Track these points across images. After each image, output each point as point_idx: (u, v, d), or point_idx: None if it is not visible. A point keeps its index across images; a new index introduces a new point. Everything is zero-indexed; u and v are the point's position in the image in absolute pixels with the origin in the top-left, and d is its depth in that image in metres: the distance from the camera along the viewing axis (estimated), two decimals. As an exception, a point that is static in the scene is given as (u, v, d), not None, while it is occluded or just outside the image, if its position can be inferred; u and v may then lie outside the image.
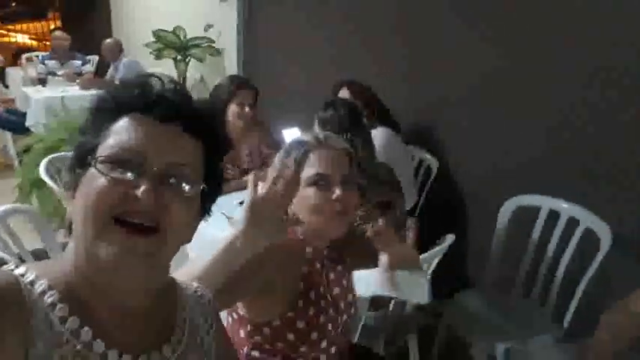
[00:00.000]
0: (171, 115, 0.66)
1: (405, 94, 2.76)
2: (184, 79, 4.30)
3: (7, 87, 5.60)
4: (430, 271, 1.82)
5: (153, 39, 4.17)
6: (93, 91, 4.65)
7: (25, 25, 11.04)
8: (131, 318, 0.68)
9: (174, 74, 4.32)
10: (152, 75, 0.70)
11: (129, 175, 0.62)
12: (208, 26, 4.20)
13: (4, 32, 10.61)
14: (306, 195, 1.14)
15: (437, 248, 1.79)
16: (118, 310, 0.67)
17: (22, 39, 10.48)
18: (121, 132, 0.65)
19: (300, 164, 1.14)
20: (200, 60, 4.12)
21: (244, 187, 2.38)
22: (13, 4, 11.12)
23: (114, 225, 0.61)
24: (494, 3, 2.28)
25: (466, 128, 2.48)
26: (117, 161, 0.62)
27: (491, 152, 2.36)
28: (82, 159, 0.64)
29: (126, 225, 0.61)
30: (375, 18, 2.93)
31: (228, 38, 4.17)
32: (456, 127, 2.55)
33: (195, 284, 0.85)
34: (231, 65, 4.24)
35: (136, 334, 0.68)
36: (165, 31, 4.22)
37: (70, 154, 0.69)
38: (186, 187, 0.65)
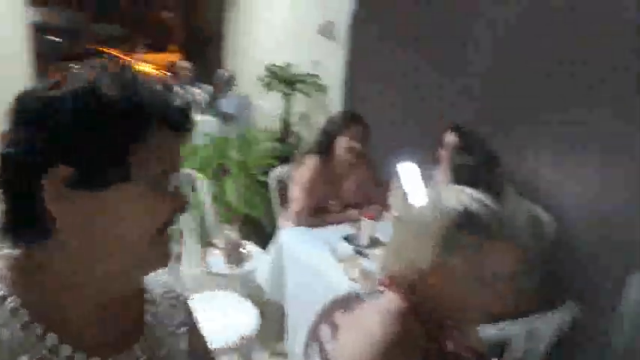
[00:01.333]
0: (183, 125, 0.68)
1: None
2: (289, 113, 4.47)
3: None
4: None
5: (265, 73, 4.40)
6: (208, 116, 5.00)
7: (148, 57, 12.24)
8: (100, 317, 0.67)
9: (280, 108, 4.51)
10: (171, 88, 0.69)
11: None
12: (315, 63, 4.37)
13: (131, 62, 11.75)
14: None
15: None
16: (87, 309, 0.65)
17: (146, 69, 11.49)
18: (155, 151, 0.64)
19: None
20: (307, 95, 4.27)
21: (346, 221, 2.42)
22: (140, 39, 12.43)
23: None
24: None
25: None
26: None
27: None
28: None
29: None
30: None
31: (332, 75, 4.30)
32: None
33: (164, 279, 0.83)
34: (334, 102, 4.34)
35: (105, 334, 0.67)
36: (277, 66, 4.44)
37: None
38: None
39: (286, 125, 4.52)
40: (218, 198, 3.40)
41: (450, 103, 3.08)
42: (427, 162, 2.48)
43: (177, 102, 0.65)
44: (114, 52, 11.68)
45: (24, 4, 4.56)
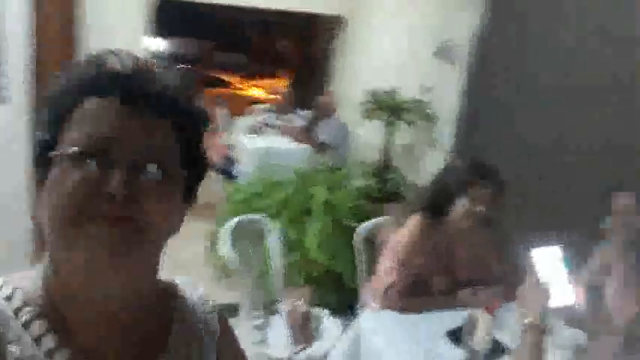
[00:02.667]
0: (134, 96, 0.57)
1: None
2: (390, 144, 3.78)
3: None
4: None
5: (367, 98, 3.78)
6: (300, 145, 4.50)
7: (261, 82, 12.38)
8: (115, 332, 0.60)
9: (381, 138, 3.85)
10: (110, 51, 0.60)
11: (95, 169, 0.54)
12: (425, 89, 3.65)
13: (244, 87, 11.97)
14: None
15: None
16: (101, 324, 0.59)
17: (257, 93, 11.68)
18: (80, 121, 0.57)
19: None
20: (411, 124, 3.56)
21: (454, 307, 1.62)
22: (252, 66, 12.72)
23: (86, 226, 0.53)
24: None
25: None
26: (80, 155, 0.54)
27: None
28: (43, 155, 0.57)
29: (96, 220, 0.53)
30: None
31: (445, 104, 3.55)
32: None
33: (201, 291, 0.75)
34: (444, 134, 3.59)
35: (122, 351, 0.61)
36: (380, 91, 3.79)
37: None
38: (162, 175, 0.57)
39: (386, 158, 3.83)
40: (295, 247, 2.79)
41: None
42: (585, 238, 1.66)
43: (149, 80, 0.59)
44: (231, 79, 12.05)
45: (146, 34, 4.41)
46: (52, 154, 0.56)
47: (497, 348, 1.56)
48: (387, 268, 1.78)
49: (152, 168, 0.56)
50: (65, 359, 0.56)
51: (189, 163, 0.62)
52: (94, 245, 0.53)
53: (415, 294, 1.78)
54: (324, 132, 4.35)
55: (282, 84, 11.88)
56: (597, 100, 2.38)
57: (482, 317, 1.55)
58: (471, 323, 1.62)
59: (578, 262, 1.57)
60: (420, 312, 1.73)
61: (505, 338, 1.61)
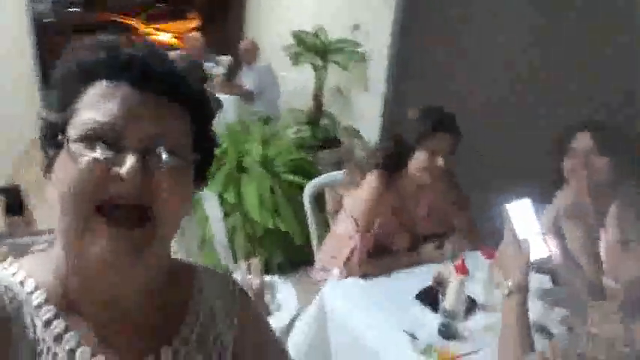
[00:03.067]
0: (147, 80, 0.56)
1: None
2: (321, 88, 3.55)
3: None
4: None
5: (292, 41, 3.46)
6: (224, 97, 4.14)
7: (167, 25, 11.30)
8: (127, 317, 0.60)
9: (312, 82, 3.60)
10: (119, 35, 0.59)
11: (108, 153, 0.53)
12: (355, 27, 3.42)
13: (150, 31, 10.88)
14: None
15: None
16: (113, 310, 0.59)
17: (165, 38, 10.66)
18: (91, 104, 0.55)
19: None
20: (344, 67, 3.34)
21: (419, 263, 1.51)
22: (158, 6, 11.46)
23: (98, 216, 0.53)
24: None
25: None
26: (91, 139, 0.53)
27: None
28: (52, 139, 0.56)
29: (112, 214, 0.53)
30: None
31: (377, 42, 3.36)
32: None
33: (224, 274, 0.77)
34: (377, 76, 3.42)
35: (133, 336, 0.61)
36: (307, 32, 3.50)
37: None
38: (175, 160, 0.55)
39: (318, 104, 3.62)
40: (234, 208, 2.56)
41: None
42: (538, 182, 1.60)
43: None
44: (132, 22, 10.87)
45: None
46: (62, 137, 0.54)
47: (471, 305, 1.49)
48: (346, 232, 1.62)
49: (165, 153, 0.55)
50: (75, 342, 0.57)
51: (201, 148, 0.62)
52: (110, 237, 0.52)
53: (378, 256, 1.65)
54: (249, 79, 4.02)
55: (192, 26, 10.93)
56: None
57: (452, 276, 1.46)
58: (441, 282, 1.53)
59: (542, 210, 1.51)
60: (386, 274, 1.62)
61: (475, 289, 1.54)
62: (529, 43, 2.38)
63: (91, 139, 0.53)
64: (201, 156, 0.61)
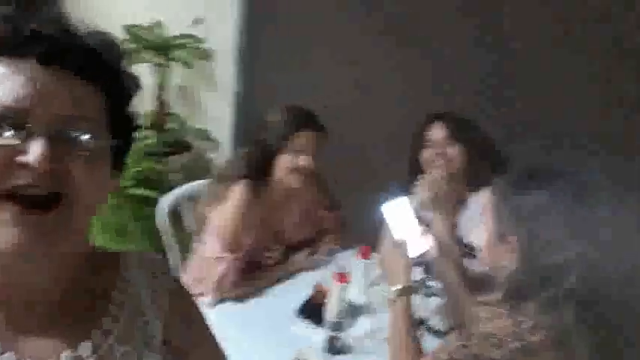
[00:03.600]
0: (55, 56, 0.52)
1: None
2: (164, 88, 3.23)
3: None
4: None
5: (125, 37, 3.07)
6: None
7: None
8: (42, 310, 0.57)
9: (151, 83, 3.26)
10: (19, 8, 0.54)
11: (13, 138, 0.49)
12: (197, 21, 3.16)
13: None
14: None
15: None
16: (28, 302, 0.56)
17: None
18: None
19: None
20: (187, 65, 3.07)
21: (292, 273, 1.42)
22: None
23: (5, 202, 0.49)
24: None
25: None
26: None
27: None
28: None
29: (21, 200, 0.49)
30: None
31: (221, 36, 3.15)
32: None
33: (153, 255, 0.74)
34: (224, 72, 3.22)
35: (49, 329, 0.57)
36: (141, 27, 3.13)
37: None
38: (88, 144, 0.53)
39: (162, 106, 3.28)
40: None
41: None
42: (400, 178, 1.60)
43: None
44: None
45: None
46: None
47: (352, 310, 1.42)
48: (213, 253, 1.43)
49: (77, 136, 0.52)
50: None
51: (118, 130, 0.58)
52: (20, 224, 0.49)
53: (250, 273, 1.49)
54: None
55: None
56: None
57: (332, 286, 1.37)
58: (320, 293, 1.44)
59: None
60: (259, 292, 1.47)
61: (352, 292, 1.48)
62: (380, 32, 2.41)
63: None
64: (119, 139, 0.57)
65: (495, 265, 1.03)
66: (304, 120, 1.51)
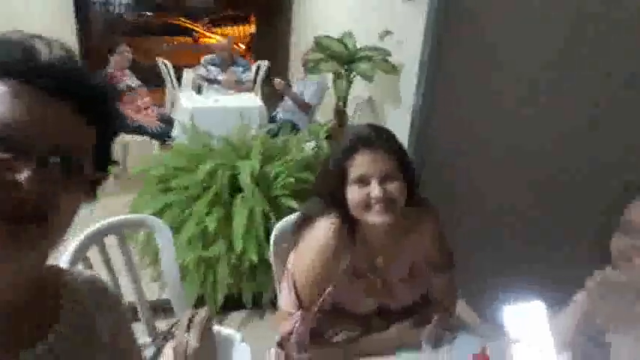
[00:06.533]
0: (62, 90, 0.55)
1: None
2: (345, 100, 3.15)
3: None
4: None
5: (312, 47, 3.09)
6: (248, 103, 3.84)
7: (229, 29, 11.24)
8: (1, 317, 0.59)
9: (333, 94, 3.21)
10: (38, 37, 0.58)
11: (7, 155, 0.51)
12: (385, 33, 2.98)
13: (209, 35, 10.87)
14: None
15: None
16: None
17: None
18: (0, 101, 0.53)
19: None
20: (368, 78, 2.91)
21: (388, 347, 1.05)
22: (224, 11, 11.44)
23: None
24: None
25: None
26: None
27: None
28: None
29: (4, 216, 0.51)
30: None
31: (410, 51, 2.90)
32: None
33: (90, 273, 0.76)
34: (409, 87, 2.97)
35: (5, 335, 0.59)
36: (331, 38, 3.11)
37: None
38: (75, 174, 0.56)
39: (341, 118, 3.21)
40: (217, 237, 2.23)
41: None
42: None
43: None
44: (195, 26, 10.94)
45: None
46: None
47: None
48: (287, 306, 1.19)
49: (68, 167, 0.54)
50: None
51: (100, 163, 0.61)
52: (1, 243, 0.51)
53: (333, 330, 1.22)
54: (307, 90, 3.69)
55: (252, 30, 10.82)
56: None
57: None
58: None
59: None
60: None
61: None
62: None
63: None
64: (99, 171, 0.61)
65: None
66: (364, 139, 1.12)
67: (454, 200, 2.29)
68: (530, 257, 1.71)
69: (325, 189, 1.19)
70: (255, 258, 2.16)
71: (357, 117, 3.32)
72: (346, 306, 1.24)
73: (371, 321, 1.24)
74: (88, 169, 0.57)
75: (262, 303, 2.44)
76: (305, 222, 1.21)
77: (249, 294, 2.37)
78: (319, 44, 3.02)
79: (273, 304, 2.42)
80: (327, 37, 3.09)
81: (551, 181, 1.96)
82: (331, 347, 1.20)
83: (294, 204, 2.31)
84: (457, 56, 2.52)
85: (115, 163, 0.66)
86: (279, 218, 2.30)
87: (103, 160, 0.63)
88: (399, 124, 3.12)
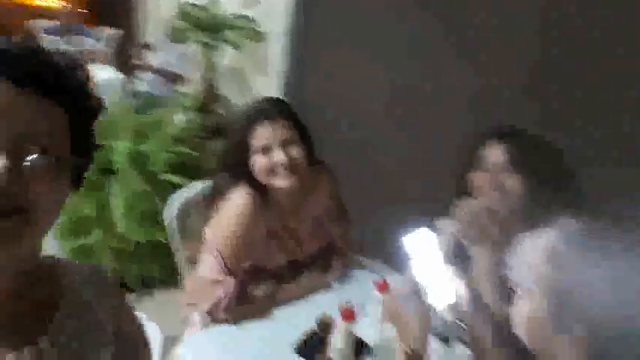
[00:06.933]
0: (23, 76, 0.54)
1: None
2: (212, 69, 3.09)
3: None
4: None
5: (176, 15, 2.95)
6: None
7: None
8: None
9: (200, 64, 3.12)
10: None
11: None
12: (251, 2, 2.98)
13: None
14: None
15: None
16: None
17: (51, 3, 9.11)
18: None
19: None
20: (235, 47, 2.89)
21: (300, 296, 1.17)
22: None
23: None
24: None
25: None
26: None
27: None
28: None
29: None
30: None
31: (276, 19, 2.94)
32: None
33: (88, 265, 0.74)
34: (275, 57, 3.02)
35: (5, 330, 0.59)
36: (195, 5, 2.99)
37: None
38: (49, 161, 0.54)
39: (210, 88, 3.15)
40: (95, 222, 2.09)
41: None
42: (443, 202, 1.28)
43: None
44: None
45: None
46: None
47: (360, 349, 1.18)
48: (211, 274, 1.24)
49: (41, 155, 0.53)
50: None
51: (80, 149, 0.60)
52: None
53: (247, 295, 1.29)
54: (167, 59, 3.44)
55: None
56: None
57: (338, 322, 1.14)
58: (324, 327, 1.21)
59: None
60: (261, 316, 1.27)
61: (363, 325, 1.22)
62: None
63: None
64: (80, 157, 0.60)
65: (543, 353, 0.72)
66: (263, 111, 1.25)
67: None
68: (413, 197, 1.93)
69: (231, 162, 1.25)
70: (140, 239, 2.08)
71: (225, 86, 3.28)
72: (260, 264, 1.32)
73: (282, 273, 1.35)
74: (64, 155, 0.56)
75: (150, 283, 2.37)
76: (217, 197, 1.27)
77: (135, 276, 2.28)
78: (184, 14, 2.90)
79: (163, 282, 2.37)
80: (193, 4, 2.97)
81: (421, 134, 2.19)
82: (252, 303, 1.28)
83: (175, 179, 2.26)
84: (325, 22, 2.63)
85: (99, 147, 0.66)
86: (162, 196, 2.23)
87: (84, 146, 0.61)
88: (267, 93, 3.18)
